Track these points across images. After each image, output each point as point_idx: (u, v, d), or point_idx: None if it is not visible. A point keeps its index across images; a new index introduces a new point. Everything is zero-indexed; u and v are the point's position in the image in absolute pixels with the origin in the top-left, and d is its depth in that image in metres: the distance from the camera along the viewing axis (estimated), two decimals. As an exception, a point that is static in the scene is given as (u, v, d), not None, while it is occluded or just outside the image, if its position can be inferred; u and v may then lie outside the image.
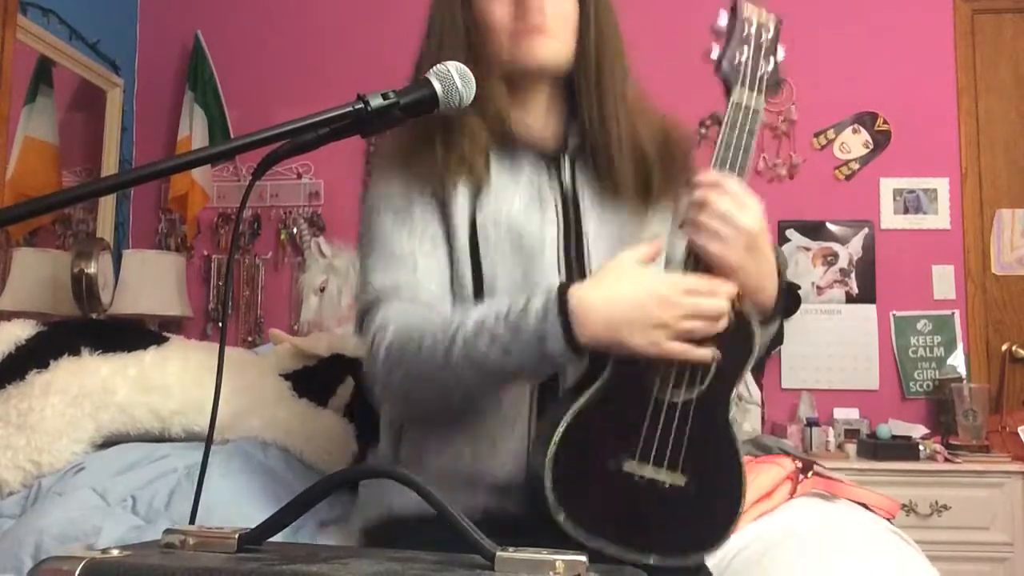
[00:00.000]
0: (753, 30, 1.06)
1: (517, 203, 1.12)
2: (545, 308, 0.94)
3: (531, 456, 1.02)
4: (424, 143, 1.10)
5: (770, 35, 1.07)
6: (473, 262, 1.09)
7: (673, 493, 0.96)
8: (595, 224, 1.15)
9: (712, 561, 1.19)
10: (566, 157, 1.17)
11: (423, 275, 1.07)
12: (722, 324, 0.95)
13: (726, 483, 0.98)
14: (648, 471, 0.96)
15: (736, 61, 1.04)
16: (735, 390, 1.01)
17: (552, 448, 0.95)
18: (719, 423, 1.00)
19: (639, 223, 1.17)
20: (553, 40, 1.13)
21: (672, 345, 0.94)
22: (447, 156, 1.08)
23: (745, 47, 1.05)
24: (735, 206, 0.97)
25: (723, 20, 1.06)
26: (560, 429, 0.95)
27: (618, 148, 1.13)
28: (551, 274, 1.10)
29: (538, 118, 1.18)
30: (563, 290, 0.95)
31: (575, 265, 1.13)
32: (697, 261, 0.98)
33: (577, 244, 1.14)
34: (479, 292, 1.09)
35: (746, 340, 1.00)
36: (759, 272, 1.00)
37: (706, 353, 0.95)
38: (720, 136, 1.03)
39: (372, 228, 1.12)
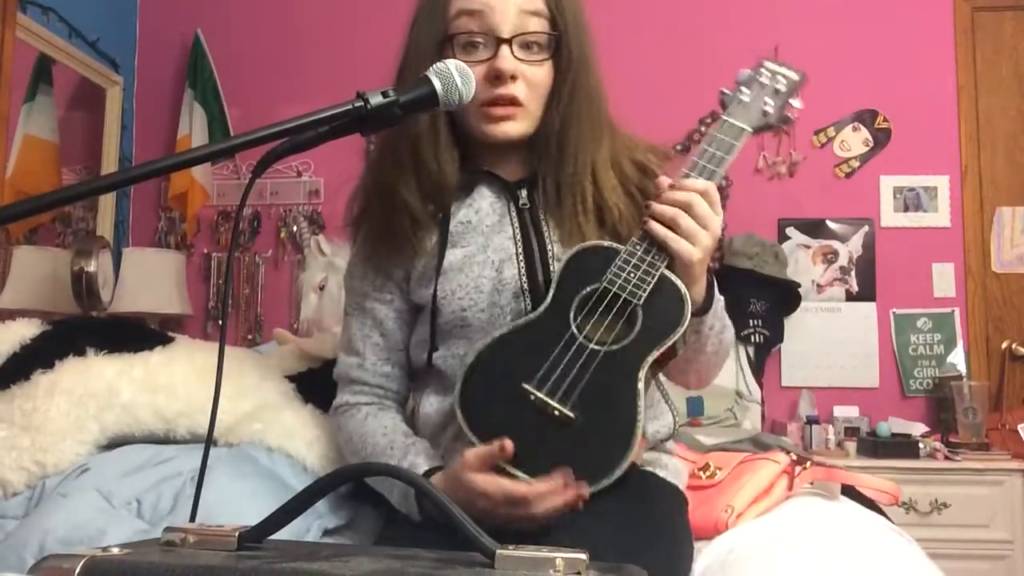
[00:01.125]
0: (766, 80, 1.15)
1: (476, 245, 1.18)
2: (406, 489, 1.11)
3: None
4: (385, 236, 1.20)
5: (783, 85, 1.15)
6: (437, 303, 1.17)
7: (561, 422, 1.02)
8: (558, 245, 1.18)
9: (708, 559, 1.20)
10: (525, 185, 1.21)
11: (370, 366, 1.25)
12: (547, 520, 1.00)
13: (611, 435, 1.02)
14: (542, 395, 1.03)
15: (739, 97, 1.14)
16: (654, 356, 1.04)
17: (470, 364, 1.08)
18: (625, 381, 1.03)
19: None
20: (523, 119, 1.16)
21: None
22: (402, 246, 1.19)
23: (751, 89, 1.15)
24: (710, 214, 1.06)
25: (744, 74, 1.17)
26: (480, 347, 1.09)
27: (573, 211, 1.17)
28: (513, 297, 1.15)
29: (497, 164, 1.22)
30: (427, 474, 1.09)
31: (542, 277, 1.16)
32: (660, 248, 1.06)
33: (542, 257, 1.17)
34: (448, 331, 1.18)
35: (675, 311, 1.05)
36: (703, 264, 1.08)
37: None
38: (701, 145, 1.11)
39: (343, 306, 1.31)
